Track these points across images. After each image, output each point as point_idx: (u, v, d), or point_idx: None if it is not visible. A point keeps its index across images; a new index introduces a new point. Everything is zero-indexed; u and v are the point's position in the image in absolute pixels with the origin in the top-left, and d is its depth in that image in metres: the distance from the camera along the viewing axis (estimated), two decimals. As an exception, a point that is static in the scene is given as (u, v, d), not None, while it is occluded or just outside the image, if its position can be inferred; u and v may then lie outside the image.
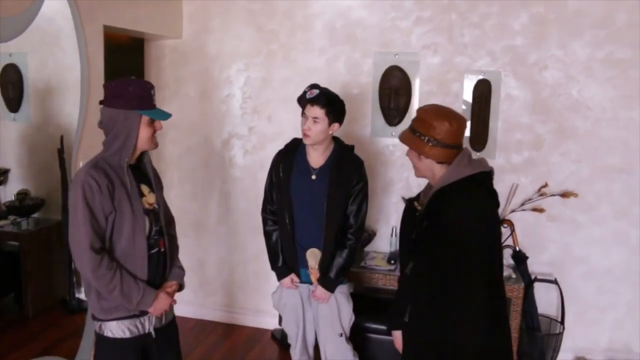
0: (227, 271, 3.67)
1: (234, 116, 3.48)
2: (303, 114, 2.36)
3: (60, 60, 3.01)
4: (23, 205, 3.22)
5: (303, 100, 2.36)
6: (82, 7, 2.58)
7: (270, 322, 3.61)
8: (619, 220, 3.12)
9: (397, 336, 1.96)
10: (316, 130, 2.32)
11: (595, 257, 3.18)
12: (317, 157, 2.43)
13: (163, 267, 2.01)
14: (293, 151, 2.49)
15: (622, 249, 3.14)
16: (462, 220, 1.64)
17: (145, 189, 1.97)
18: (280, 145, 3.38)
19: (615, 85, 3.02)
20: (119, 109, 1.82)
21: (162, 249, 1.99)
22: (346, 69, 3.30)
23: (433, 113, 1.74)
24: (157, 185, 2.03)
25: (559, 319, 3.14)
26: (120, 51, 3.48)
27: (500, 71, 3.12)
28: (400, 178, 3.36)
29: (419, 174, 1.84)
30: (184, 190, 3.64)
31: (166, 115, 1.94)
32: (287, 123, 3.40)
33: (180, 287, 2.08)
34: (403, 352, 1.90)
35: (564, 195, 3.07)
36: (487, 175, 1.77)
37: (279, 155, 2.53)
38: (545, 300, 3.22)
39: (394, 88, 3.23)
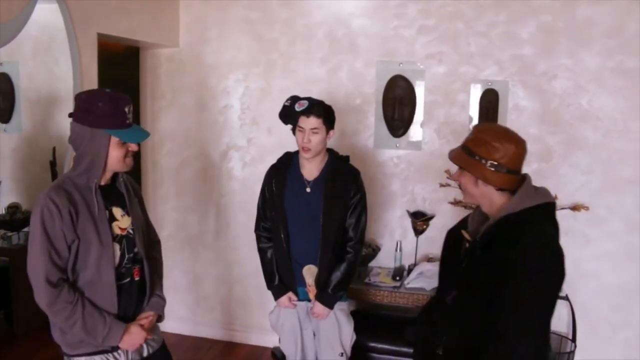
0: (226, 287, 3.59)
1: (232, 127, 3.42)
2: (297, 127, 2.32)
3: (52, 69, 2.95)
4: (14, 219, 3.15)
5: (293, 114, 2.31)
6: (75, 15, 2.53)
7: (270, 340, 3.51)
8: (630, 235, 3.06)
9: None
10: (316, 142, 2.29)
11: (606, 272, 3.11)
12: (311, 169, 2.39)
13: (139, 298, 1.88)
14: (286, 165, 2.46)
15: (634, 264, 3.07)
16: (532, 256, 1.47)
17: (117, 212, 1.83)
18: (278, 153, 3.36)
19: (625, 95, 2.97)
20: (87, 127, 1.68)
21: (137, 278, 1.86)
22: (348, 78, 3.25)
23: (495, 133, 1.56)
24: (134, 206, 1.89)
25: (570, 337, 3.07)
26: (115, 60, 3.42)
27: (508, 81, 3.07)
28: (405, 191, 3.29)
29: (471, 200, 1.67)
30: (180, 203, 3.57)
31: (139, 137, 1.79)
32: (287, 135, 3.28)
33: (159, 318, 1.94)
34: None
35: (575, 208, 3.01)
36: (552, 207, 1.62)
37: (272, 170, 2.50)
38: (554, 316, 3.14)
39: (398, 98, 3.18)
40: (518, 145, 1.54)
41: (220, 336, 3.63)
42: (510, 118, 3.10)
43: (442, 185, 3.19)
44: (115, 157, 1.74)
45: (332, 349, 2.42)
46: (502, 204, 1.56)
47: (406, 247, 3.29)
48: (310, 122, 2.29)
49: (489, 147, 1.52)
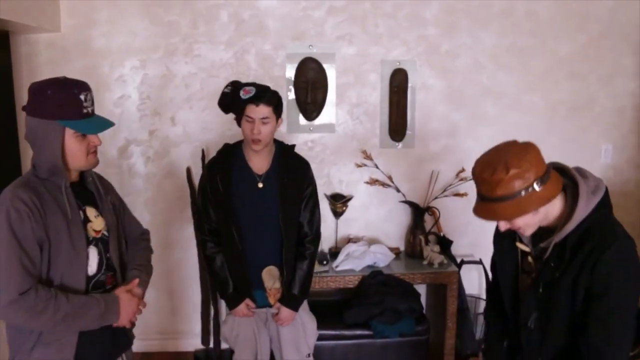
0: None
1: (130, 120, 3.28)
2: (245, 117, 2.19)
3: None
4: None
5: (237, 102, 2.20)
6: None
7: (190, 344, 3.51)
8: (527, 198, 3.56)
9: None
10: (267, 132, 2.20)
11: (509, 234, 3.59)
12: (260, 162, 2.33)
13: None
14: (228, 158, 2.34)
15: (531, 224, 3.58)
16: (617, 274, 1.47)
17: (91, 212, 1.72)
18: (188, 149, 3.33)
19: (518, 71, 3.43)
20: (38, 119, 1.58)
21: (109, 287, 1.74)
22: (257, 62, 3.29)
23: (512, 161, 1.46)
24: (106, 206, 1.78)
25: (484, 297, 3.51)
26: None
27: (415, 60, 3.35)
28: (321, 174, 3.44)
29: (535, 228, 1.56)
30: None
31: (98, 127, 1.66)
32: (194, 124, 3.31)
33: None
34: None
35: (482, 179, 3.40)
36: (607, 193, 1.58)
37: (213, 165, 2.37)
38: (467, 280, 3.57)
39: (310, 81, 3.29)
40: (529, 150, 1.50)
41: (136, 348, 3.52)
42: (419, 97, 3.40)
43: (358, 166, 3.41)
44: (75, 153, 1.63)
45: (297, 351, 2.45)
46: (563, 209, 1.55)
47: (325, 231, 3.47)
48: (260, 111, 2.18)
49: (523, 173, 1.45)
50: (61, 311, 1.56)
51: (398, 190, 3.41)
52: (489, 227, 3.51)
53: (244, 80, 3.24)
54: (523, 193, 1.45)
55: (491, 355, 1.94)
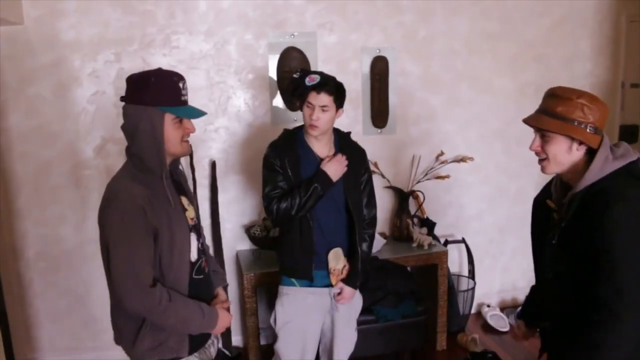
0: (118, 302, 3.40)
1: (107, 117, 3.19)
2: (307, 103, 2.33)
3: None
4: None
5: (302, 89, 2.33)
6: None
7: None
8: (500, 176, 3.89)
9: (521, 325, 2.16)
10: (325, 120, 2.34)
11: (485, 212, 3.92)
12: (322, 148, 2.45)
13: (209, 293, 1.98)
14: (292, 142, 2.45)
15: (504, 201, 3.93)
16: (621, 229, 1.59)
17: (184, 200, 1.88)
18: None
19: (490, 56, 3.71)
20: (141, 105, 1.70)
21: (206, 270, 1.96)
22: (239, 53, 3.31)
23: (588, 96, 1.67)
24: (191, 193, 1.97)
25: (466, 275, 3.80)
26: None
27: (395, 47, 3.51)
28: (305, 164, 3.54)
29: (557, 169, 1.75)
30: (46, 216, 3.23)
31: (195, 113, 1.80)
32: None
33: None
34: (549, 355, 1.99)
35: (462, 160, 3.67)
36: (634, 164, 1.70)
37: (277, 149, 2.44)
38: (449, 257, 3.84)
39: (293, 70, 3.34)
40: (604, 105, 1.69)
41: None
42: (399, 83, 3.58)
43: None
44: (173, 139, 1.76)
45: (349, 326, 2.59)
46: (584, 170, 1.69)
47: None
48: (320, 99, 2.32)
49: (587, 109, 1.64)
50: (175, 316, 1.72)
51: (383, 176, 3.59)
52: (467, 208, 3.82)
53: (225, 71, 3.33)
54: (575, 123, 1.65)
55: (526, 310, 2.16)
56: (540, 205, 1.94)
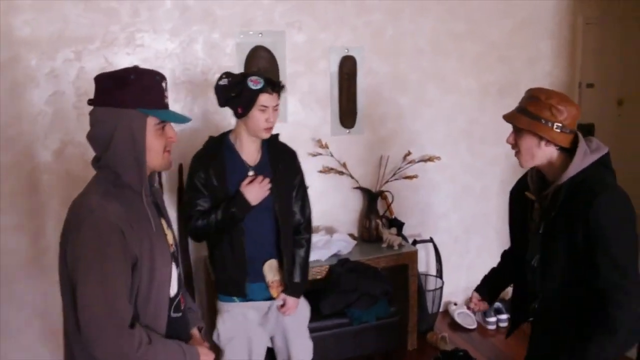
0: (80, 312, 3.29)
1: (66, 119, 3.08)
2: (259, 107, 2.27)
3: None
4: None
5: (249, 93, 2.26)
6: None
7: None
8: (466, 175, 4.01)
9: (476, 296, 2.30)
10: (276, 119, 2.35)
11: (451, 211, 4.02)
12: (253, 153, 2.41)
13: (186, 334, 1.76)
14: (217, 151, 2.40)
15: (469, 199, 4.05)
16: (613, 214, 1.74)
17: (163, 223, 1.66)
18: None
19: (455, 56, 3.81)
20: (117, 108, 1.45)
21: (182, 307, 1.72)
22: (205, 52, 3.27)
23: (560, 98, 1.82)
24: (168, 216, 1.75)
25: (434, 274, 3.89)
26: None
27: (363, 46, 3.55)
28: (273, 166, 3.53)
29: (531, 162, 1.90)
30: (1, 224, 3.07)
31: (182, 118, 1.60)
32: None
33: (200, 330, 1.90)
34: (532, 344, 2.11)
35: (429, 159, 3.75)
36: (607, 156, 1.87)
37: (201, 159, 2.40)
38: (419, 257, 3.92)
39: (262, 70, 3.34)
40: (577, 108, 1.85)
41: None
42: (367, 82, 3.63)
43: (313, 155, 3.55)
44: (155, 148, 1.52)
45: (301, 336, 2.59)
46: (561, 163, 1.85)
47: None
48: (274, 99, 2.32)
49: (555, 110, 1.80)
50: (157, 357, 1.49)
51: (352, 177, 3.63)
52: (434, 207, 3.91)
53: (191, 71, 3.27)
54: (543, 121, 1.81)
55: (484, 284, 2.34)
56: (518, 197, 2.09)
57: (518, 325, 2.23)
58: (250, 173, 2.39)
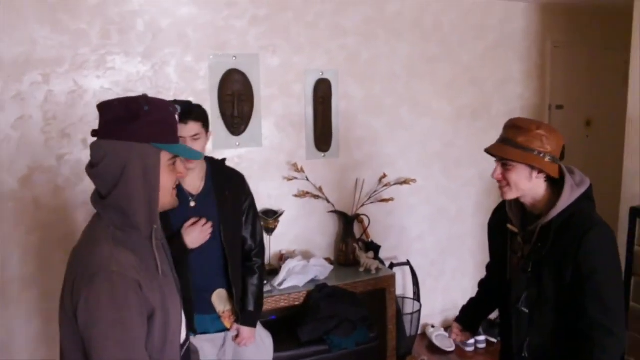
0: (46, 348, 3.16)
1: (33, 144, 2.98)
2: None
3: None
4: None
5: None
6: None
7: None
8: (440, 197, 4.02)
9: (457, 326, 2.27)
10: (199, 149, 2.19)
11: (426, 233, 4.03)
12: (194, 181, 2.31)
13: None
14: None
15: (444, 221, 4.07)
16: (602, 252, 1.76)
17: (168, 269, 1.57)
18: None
19: (429, 79, 3.85)
20: (130, 142, 1.34)
21: (190, 354, 1.67)
22: (178, 75, 3.22)
23: (545, 127, 1.82)
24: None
25: (411, 297, 3.88)
26: None
27: (338, 70, 3.56)
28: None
29: (516, 195, 1.86)
30: (-38, 254, 2.94)
31: (194, 153, 1.56)
32: (110, 145, 3.10)
33: None
34: None
35: (405, 182, 3.75)
36: (590, 188, 1.88)
37: None
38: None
39: (236, 94, 3.31)
40: (561, 137, 1.85)
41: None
42: (343, 106, 3.62)
43: (288, 179, 3.52)
44: (166, 185, 1.42)
45: None
46: (548, 196, 1.85)
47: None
48: (190, 129, 2.16)
49: (545, 140, 1.78)
50: None
51: (328, 201, 3.61)
52: (409, 230, 3.92)
53: (164, 94, 3.22)
54: (535, 152, 1.79)
55: (465, 315, 2.30)
56: (497, 229, 2.06)
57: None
58: (192, 204, 2.27)
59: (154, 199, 1.40)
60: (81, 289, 1.29)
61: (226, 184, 2.37)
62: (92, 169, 1.39)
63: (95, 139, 1.40)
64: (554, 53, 4.20)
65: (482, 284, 2.34)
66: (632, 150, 3.26)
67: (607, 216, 1.95)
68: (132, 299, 1.30)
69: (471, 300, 2.36)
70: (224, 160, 2.48)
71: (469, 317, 2.31)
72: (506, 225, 1.99)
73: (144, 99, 1.40)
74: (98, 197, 1.40)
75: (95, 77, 3.05)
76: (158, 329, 1.38)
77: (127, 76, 3.11)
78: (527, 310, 1.90)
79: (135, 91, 3.15)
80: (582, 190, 1.85)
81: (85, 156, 3.05)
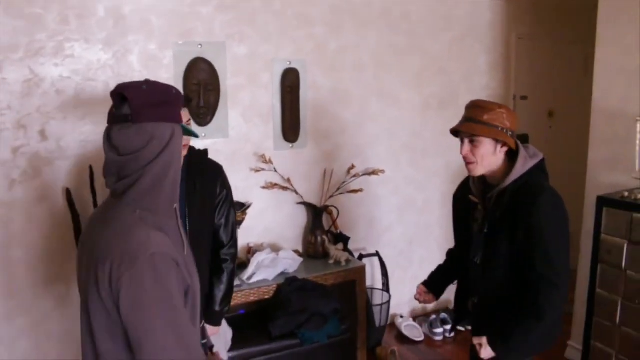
0: (4, 348, 3.02)
1: (-14, 135, 2.81)
2: None
3: None
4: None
5: None
6: None
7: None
8: (408, 188, 4.03)
9: (422, 288, 2.48)
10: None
11: (395, 224, 4.03)
12: None
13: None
14: None
15: (412, 212, 4.07)
16: (552, 214, 1.96)
17: None
18: (64, 167, 3.02)
19: (397, 70, 3.82)
20: (168, 123, 1.37)
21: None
22: (141, 63, 3.10)
23: (505, 107, 2.04)
24: None
25: (380, 288, 3.88)
26: None
27: (306, 59, 3.50)
28: (215, 182, 3.40)
29: (482, 169, 2.05)
30: None
31: (195, 133, 1.68)
32: (70, 138, 2.98)
33: None
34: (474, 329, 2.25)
35: (373, 173, 3.73)
36: (543, 161, 2.09)
37: None
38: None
39: (202, 83, 3.21)
40: (516, 116, 2.08)
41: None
42: (311, 96, 3.57)
43: (256, 171, 3.45)
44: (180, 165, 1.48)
45: None
46: (505, 168, 2.05)
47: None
48: (185, 115, 2.13)
49: (507, 117, 2.01)
50: None
51: (297, 193, 3.55)
52: (378, 221, 3.91)
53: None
54: (500, 128, 2.01)
55: (430, 278, 2.52)
56: (461, 200, 2.29)
57: (462, 319, 2.46)
58: None
59: (177, 178, 1.43)
60: (122, 275, 1.26)
61: (199, 176, 2.29)
62: (128, 154, 1.35)
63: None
64: (519, 45, 4.24)
65: (450, 252, 2.54)
66: (597, 141, 3.32)
67: (570, 204, 2.11)
68: (173, 278, 1.32)
69: (439, 266, 2.56)
70: (205, 150, 2.42)
71: (435, 281, 2.51)
72: (468, 196, 2.22)
73: (162, 84, 1.45)
74: (121, 182, 1.37)
75: (52, 65, 2.90)
76: (189, 306, 1.41)
77: (87, 64, 2.97)
78: (481, 265, 2.15)
79: (97, 80, 3.02)
80: (535, 161, 2.07)
81: (43, 149, 2.95)
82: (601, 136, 3.31)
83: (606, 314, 2.99)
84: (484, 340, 2.10)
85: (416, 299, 2.53)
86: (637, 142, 2.96)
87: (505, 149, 2.03)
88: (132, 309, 1.27)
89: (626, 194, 2.92)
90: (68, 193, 2.95)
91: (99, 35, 2.98)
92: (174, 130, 1.39)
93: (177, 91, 1.45)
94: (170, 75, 3.17)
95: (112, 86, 3.10)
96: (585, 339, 3.11)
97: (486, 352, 2.10)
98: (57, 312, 3.08)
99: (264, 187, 3.51)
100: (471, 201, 2.19)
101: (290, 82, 3.48)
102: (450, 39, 4.00)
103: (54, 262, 3.01)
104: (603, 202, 2.94)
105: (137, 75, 3.09)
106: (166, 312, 1.29)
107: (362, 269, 3.49)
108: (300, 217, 3.70)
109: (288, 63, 3.47)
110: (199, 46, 3.21)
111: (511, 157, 2.06)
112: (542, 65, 4.44)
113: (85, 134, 3.01)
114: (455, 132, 2.11)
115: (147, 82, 1.43)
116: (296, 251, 3.60)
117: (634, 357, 2.89)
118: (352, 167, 3.75)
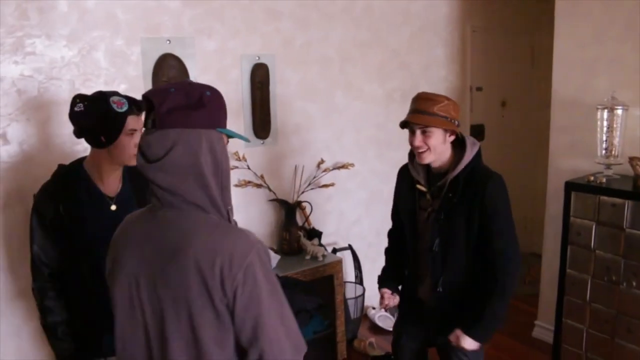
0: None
1: (-59, 141, 2.57)
2: (127, 131, 1.99)
3: None
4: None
5: (115, 117, 1.96)
6: None
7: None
8: (374, 180, 4.07)
9: (386, 291, 2.48)
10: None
11: (363, 216, 4.06)
12: (112, 182, 2.10)
13: None
14: (70, 181, 2.06)
15: (379, 204, 4.11)
16: (500, 196, 2.15)
17: None
18: (28, 173, 2.79)
19: (361, 63, 3.84)
20: (196, 128, 1.33)
21: None
22: (108, 60, 2.94)
23: (447, 98, 2.17)
24: None
25: (353, 281, 3.90)
26: None
27: (275, 54, 3.44)
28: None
29: (433, 157, 2.19)
30: None
31: (245, 137, 1.67)
32: (33, 140, 2.78)
33: None
34: (437, 318, 2.34)
35: (343, 166, 3.74)
36: (480, 149, 2.26)
37: (49, 192, 2.06)
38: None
39: (171, 80, 3.09)
40: (459, 109, 2.26)
41: None
42: (279, 91, 3.52)
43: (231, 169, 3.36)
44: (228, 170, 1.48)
45: None
46: (452, 156, 2.22)
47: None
48: (141, 120, 1.98)
49: (450, 108, 2.15)
50: None
51: (270, 189, 3.50)
52: (348, 214, 3.93)
53: (93, 81, 2.95)
54: (448, 118, 2.15)
55: (388, 278, 2.57)
56: (406, 190, 2.41)
57: (410, 306, 2.49)
58: (113, 207, 2.06)
59: (227, 182, 1.41)
60: (236, 275, 1.26)
61: (146, 185, 2.16)
62: (153, 162, 1.33)
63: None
64: (473, 37, 4.38)
65: (391, 234, 2.68)
66: (558, 129, 3.49)
67: (526, 189, 2.35)
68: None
69: (388, 256, 2.67)
70: None
71: (392, 277, 2.56)
72: (414, 186, 2.33)
73: (197, 84, 1.39)
74: (170, 192, 1.35)
75: (12, 63, 2.69)
76: None
77: (50, 62, 2.77)
78: (440, 252, 2.25)
79: (61, 79, 2.83)
80: (477, 148, 2.24)
81: (4, 153, 2.75)
82: (561, 125, 3.48)
83: (577, 293, 3.15)
84: (459, 332, 2.19)
85: (385, 307, 2.51)
86: (598, 129, 3.13)
87: (452, 137, 2.20)
88: (249, 305, 1.27)
89: (592, 178, 3.08)
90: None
91: (61, 30, 2.79)
92: (208, 136, 1.34)
93: (214, 93, 1.38)
94: (139, 72, 3.03)
95: (78, 85, 2.98)
96: (558, 317, 3.27)
97: (468, 342, 2.18)
98: (29, 324, 2.89)
99: (237, 185, 3.43)
100: (418, 190, 2.31)
101: (260, 78, 3.41)
102: (409, 33, 4.07)
103: (19, 274, 2.78)
104: (571, 186, 3.09)
105: (105, 73, 2.94)
106: (277, 305, 1.33)
107: (339, 263, 3.49)
108: (273, 214, 3.65)
109: (257, 58, 3.40)
110: (168, 42, 3.08)
111: (455, 145, 2.23)
112: (495, 56, 4.61)
113: (50, 137, 2.82)
114: (404, 123, 2.23)
115: (180, 84, 1.38)
116: (271, 248, 3.55)
117: (603, 331, 3.07)
118: (322, 161, 3.74)
